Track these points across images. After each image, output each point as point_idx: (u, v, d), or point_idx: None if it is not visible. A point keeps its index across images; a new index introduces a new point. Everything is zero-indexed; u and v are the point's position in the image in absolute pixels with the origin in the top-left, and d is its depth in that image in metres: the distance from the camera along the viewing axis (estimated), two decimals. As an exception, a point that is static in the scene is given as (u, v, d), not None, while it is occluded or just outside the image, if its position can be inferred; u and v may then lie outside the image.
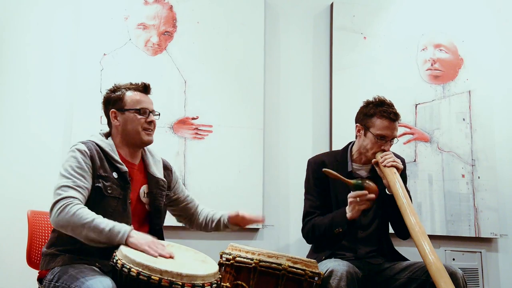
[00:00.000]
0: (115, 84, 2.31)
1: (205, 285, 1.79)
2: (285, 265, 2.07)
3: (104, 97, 2.29)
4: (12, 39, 3.10)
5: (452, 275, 2.22)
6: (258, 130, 3.34)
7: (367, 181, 2.41)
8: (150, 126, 2.25)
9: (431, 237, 2.29)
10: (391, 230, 2.70)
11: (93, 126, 3.01)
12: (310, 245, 2.73)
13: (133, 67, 3.18)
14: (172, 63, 3.27)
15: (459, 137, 3.57)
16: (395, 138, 2.60)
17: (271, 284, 2.06)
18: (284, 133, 3.45)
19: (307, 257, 2.58)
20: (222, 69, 3.35)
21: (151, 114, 2.26)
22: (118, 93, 2.25)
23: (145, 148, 2.33)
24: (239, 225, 2.43)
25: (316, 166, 2.68)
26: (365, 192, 2.37)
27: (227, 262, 2.12)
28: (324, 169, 2.46)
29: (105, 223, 1.92)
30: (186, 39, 3.31)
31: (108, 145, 2.18)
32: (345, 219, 2.43)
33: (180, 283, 1.73)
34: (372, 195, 2.37)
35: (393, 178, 2.44)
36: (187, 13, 3.33)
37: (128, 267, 1.75)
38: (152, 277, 1.71)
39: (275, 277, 2.07)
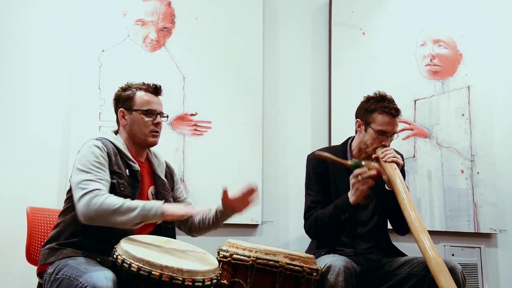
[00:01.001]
0: (127, 83, 2.31)
1: (206, 280, 1.79)
2: (282, 263, 2.06)
3: (115, 94, 2.30)
4: (10, 36, 3.09)
5: (451, 271, 2.22)
6: (257, 126, 3.34)
7: (364, 161, 2.44)
8: (156, 128, 2.25)
9: (431, 232, 2.29)
10: (389, 226, 2.71)
11: (92, 123, 3.03)
12: (310, 241, 2.73)
13: (132, 63, 3.17)
14: (170, 59, 3.26)
15: (458, 132, 3.56)
16: (396, 134, 2.60)
17: (269, 282, 2.06)
18: (283, 129, 3.45)
19: (306, 252, 2.58)
20: (220, 65, 3.35)
21: (158, 115, 2.26)
22: (129, 92, 2.25)
23: (150, 149, 2.34)
24: (234, 208, 2.30)
25: (315, 161, 2.68)
26: (365, 169, 2.38)
27: (224, 259, 2.12)
28: (317, 153, 2.47)
29: (135, 204, 1.93)
30: (184, 35, 3.30)
31: (120, 142, 2.19)
32: (349, 204, 2.43)
33: (181, 279, 1.73)
34: (373, 171, 2.38)
35: (393, 173, 2.44)
36: (185, 9, 3.33)
37: (128, 262, 1.75)
38: (153, 272, 1.71)
39: (272, 274, 2.06)
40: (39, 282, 2.15)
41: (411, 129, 3.53)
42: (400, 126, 3.42)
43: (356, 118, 2.67)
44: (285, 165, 3.39)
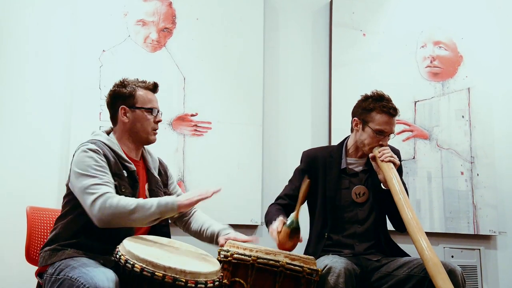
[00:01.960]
0: (124, 79, 2.28)
1: (208, 282, 1.79)
2: (282, 262, 2.06)
3: (113, 91, 2.26)
4: (11, 36, 3.09)
5: (451, 272, 2.22)
6: (257, 126, 3.34)
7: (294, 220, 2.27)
8: (157, 126, 2.26)
9: (430, 234, 2.30)
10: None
11: (92, 123, 3.02)
12: (308, 242, 2.72)
13: (132, 63, 3.17)
14: (171, 60, 3.26)
15: (458, 134, 3.57)
16: (393, 134, 2.60)
17: (269, 281, 2.06)
18: (283, 129, 3.45)
19: (304, 253, 2.59)
20: (221, 65, 3.35)
21: (158, 113, 2.27)
22: (129, 89, 2.23)
23: (144, 146, 2.33)
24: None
25: (308, 159, 2.70)
26: (274, 234, 2.28)
27: (225, 259, 2.12)
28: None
29: (149, 202, 1.96)
30: (185, 36, 3.30)
31: (114, 144, 2.17)
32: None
33: (184, 280, 1.73)
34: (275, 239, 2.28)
35: (390, 173, 2.44)
36: (186, 9, 3.33)
37: (131, 262, 1.74)
38: (156, 273, 1.71)
39: (272, 274, 2.06)
40: (38, 282, 2.14)
41: (411, 131, 3.53)
42: (400, 127, 3.44)
43: (353, 116, 2.67)
44: (285, 165, 3.38)
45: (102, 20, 3.18)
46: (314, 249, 2.58)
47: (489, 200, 3.52)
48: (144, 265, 1.73)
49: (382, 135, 2.55)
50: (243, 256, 2.08)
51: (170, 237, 2.22)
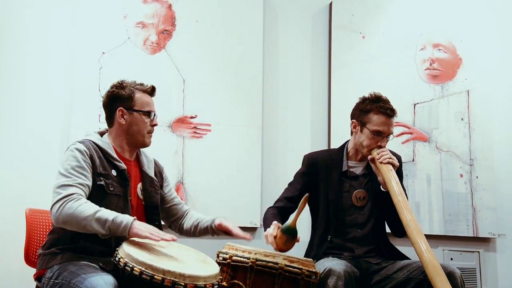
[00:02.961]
0: (122, 81, 2.27)
1: (207, 286, 1.79)
2: (281, 264, 2.07)
3: (110, 92, 2.25)
4: (11, 37, 3.09)
5: (450, 275, 2.22)
6: (256, 128, 3.34)
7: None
8: (152, 129, 2.26)
9: (429, 236, 2.29)
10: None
11: (92, 125, 3.00)
12: (309, 245, 2.72)
13: (132, 65, 3.17)
14: (170, 62, 3.26)
15: (457, 136, 3.57)
16: (391, 135, 2.60)
17: (268, 283, 2.06)
18: (282, 131, 3.45)
19: (305, 256, 2.59)
20: (220, 67, 3.35)
21: (155, 117, 2.27)
22: (128, 91, 2.22)
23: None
24: (226, 233, 2.34)
25: (309, 162, 2.71)
26: (270, 239, 2.24)
27: (224, 262, 2.12)
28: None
29: (108, 214, 1.92)
30: (185, 38, 3.31)
31: (105, 143, 2.17)
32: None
33: (183, 284, 1.73)
34: (273, 244, 2.23)
35: (388, 175, 2.44)
36: (186, 11, 3.33)
37: (131, 265, 1.74)
38: (155, 276, 1.71)
39: (271, 276, 2.06)
40: (36, 286, 2.14)
41: (411, 133, 3.53)
42: (399, 129, 3.44)
43: (352, 119, 2.67)
44: (284, 167, 3.39)
45: (101, 22, 3.17)
46: (316, 252, 2.58)
47: (488, 203, 3.52)
48: (143, 268, 1.73)
49: (380, 136, 2.55)
50: (242, 258, 2.09)
51: None
